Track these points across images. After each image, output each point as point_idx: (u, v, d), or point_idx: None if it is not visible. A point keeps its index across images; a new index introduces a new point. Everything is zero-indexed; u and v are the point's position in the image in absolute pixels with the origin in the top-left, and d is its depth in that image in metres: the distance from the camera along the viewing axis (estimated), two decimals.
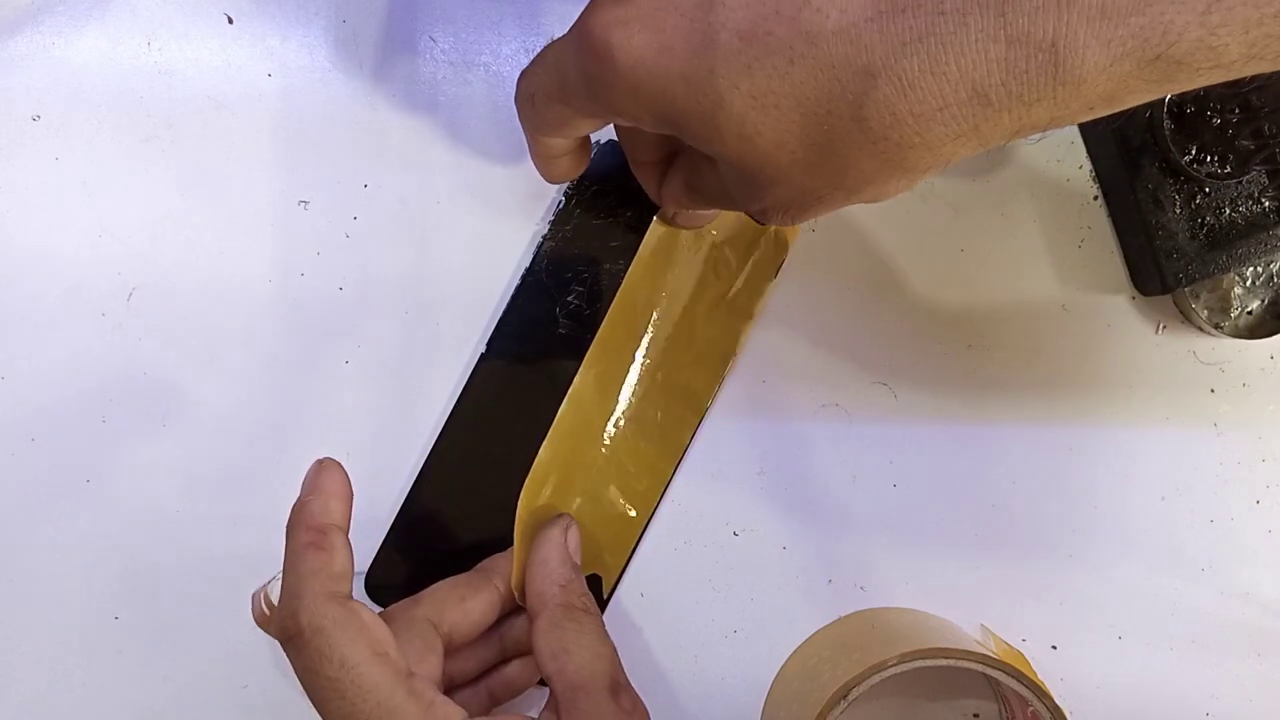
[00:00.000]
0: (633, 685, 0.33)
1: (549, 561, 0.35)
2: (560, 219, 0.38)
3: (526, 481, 0.37)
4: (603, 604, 0.39)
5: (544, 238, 0.38)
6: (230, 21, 0.39)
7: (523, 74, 0.30)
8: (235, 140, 0.39)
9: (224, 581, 0.38)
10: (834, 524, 0.40)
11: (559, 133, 0.30)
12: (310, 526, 0.30)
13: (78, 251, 0.38)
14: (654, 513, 0.39)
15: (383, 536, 0.38)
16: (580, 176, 0.36)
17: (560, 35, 0.27)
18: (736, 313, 0.39)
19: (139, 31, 0.39)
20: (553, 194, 0.38)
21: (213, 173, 0.39)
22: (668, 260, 0.38)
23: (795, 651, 0.39)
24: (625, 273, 0.38)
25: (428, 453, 0.38)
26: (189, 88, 0.39)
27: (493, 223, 0.39)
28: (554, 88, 0.28)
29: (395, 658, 0.29)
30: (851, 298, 0.40)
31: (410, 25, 0.39)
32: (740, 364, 0.39)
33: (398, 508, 0.38)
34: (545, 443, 0.37)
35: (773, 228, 0.38)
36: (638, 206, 0.38)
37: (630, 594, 0.39)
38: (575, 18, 0.26)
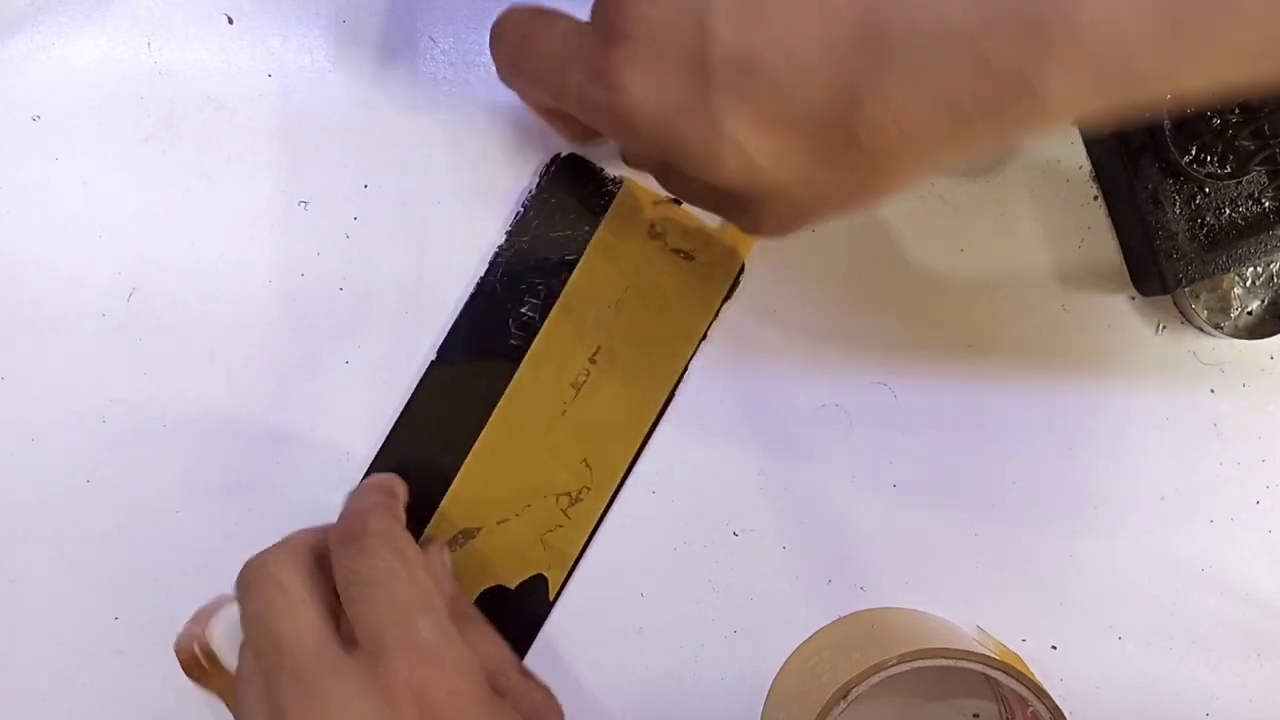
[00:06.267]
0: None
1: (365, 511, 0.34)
2: (517, 229, 0.38)
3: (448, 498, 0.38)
4: (553, 601, 0.39)
5: (500, 248, 0.38)
6: (230, 21, 0.39)
7: (507, 31, 0.31)
8: (235, 140, 0.39)
9: (224, 582, 0.38)
10: (834, 524, 0.40)
11: (540, 105, 0.32)
12: (379, 485, 0.36)
13: (78, 251, 0.38)
14: (616, 492, 0.39)
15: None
16: (539, 189, 0.37)
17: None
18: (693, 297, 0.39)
19: (139, 31, 0.39)
20: (513, 205, 0.39)
21: (213, 173, 0.39)
22: (619, 254, 0.38)
23: (795, 651, 0.39)
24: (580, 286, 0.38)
25: (372, 457, 0.38)
26: (189, 88, 0.39)
27: (493, 223, 0.39)
28: (553, 78, 0.28)
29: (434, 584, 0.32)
30: (851, 297, 0.40)
31: (410, 25, 0.39)
32: (740, 363, 0.39)
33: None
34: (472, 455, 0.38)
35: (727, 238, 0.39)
36: (595, 223, 0.38)
37: (630, 594, 0.39)
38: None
